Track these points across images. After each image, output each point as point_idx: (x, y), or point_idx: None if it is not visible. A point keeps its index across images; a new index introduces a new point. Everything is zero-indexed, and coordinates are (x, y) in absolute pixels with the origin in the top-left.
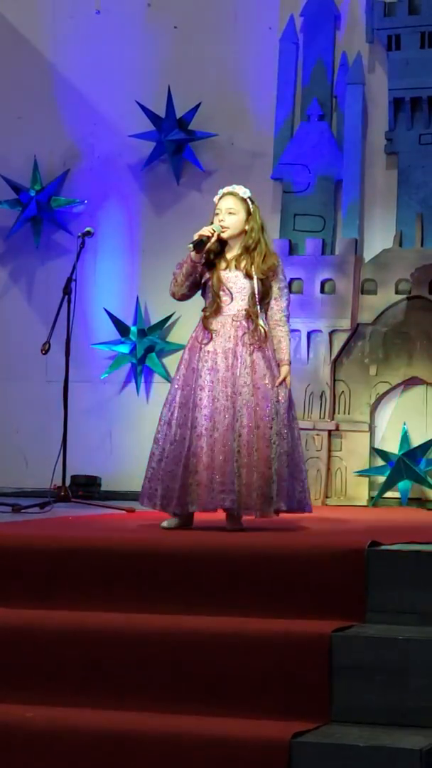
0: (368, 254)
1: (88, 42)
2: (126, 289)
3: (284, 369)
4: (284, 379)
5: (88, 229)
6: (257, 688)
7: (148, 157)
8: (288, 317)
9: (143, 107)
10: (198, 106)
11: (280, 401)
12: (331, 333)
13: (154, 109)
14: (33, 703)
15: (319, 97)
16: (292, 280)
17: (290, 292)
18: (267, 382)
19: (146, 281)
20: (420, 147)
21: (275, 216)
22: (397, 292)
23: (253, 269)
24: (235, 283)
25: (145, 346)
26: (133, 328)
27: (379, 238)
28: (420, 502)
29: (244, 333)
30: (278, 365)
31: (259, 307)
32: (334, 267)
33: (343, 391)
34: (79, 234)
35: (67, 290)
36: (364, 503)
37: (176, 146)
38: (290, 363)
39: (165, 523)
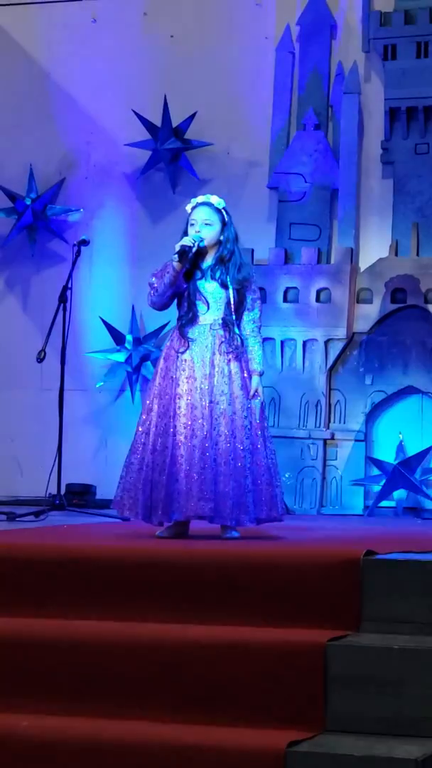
0: (364, 263)
1: (85, 51)
2: (121, 297)
3: (255, 379)
4: (256, 390)
5: (83, 237)
6: (252, 698)
7: (144, 166)
8: (260, 328)
9: (139, 116)
10: (194, 115)
11: (254, 411)
12: (327, 342)
13: (151, 118)
14: (27, 712)
15: (315, 106)
16: (287, 288)
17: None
18: (243, 391)
19: (142, 290)
20: (416, 156)
21: (271, 225)
22: (392, 302)
23: (228, 279)
24: (211, 293)
25: (141, 355)
26: (129, 337)
27: (374, 247)
28: (415, 511)
29: (222, 342)
30: (251, 376)
31: (234, 316)
32: (330, 276)
33: (338, 400)
34: (75, 242)
35: (62, 298)
36: (360, 512)
37: (172, 155)
38: (262, 373)
39: (160, 532)
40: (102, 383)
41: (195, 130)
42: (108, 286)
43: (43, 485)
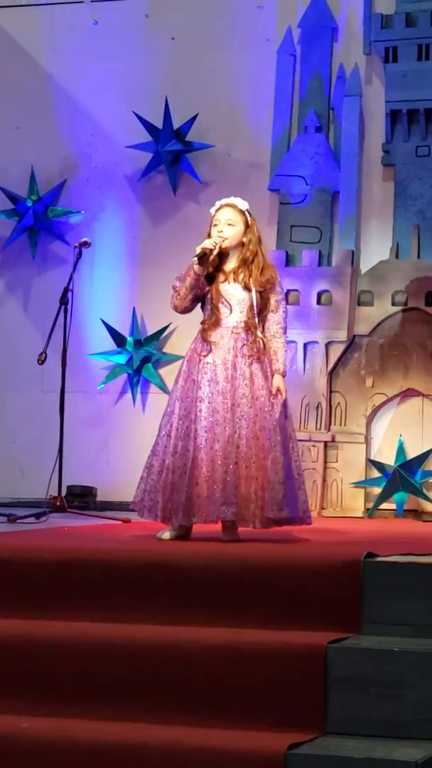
0: (365, 266)
1: (86, 53)
2: (123, 299)
3: (276, 378)
4: (278, 390)
5: (84, 239)
6: (253, 700)
7: (145, 168)
8: (285, 329)
9: (141, 118)
10: (195, 117)
11: (277, 413)
12: (328, 344)
13: (152, 120)
14: (29, 714)
15: (317, 108)
16: (288, 291)
17: (287, 304)
18: (265, 393)
19: (143, 292)
20: (417, 159)
21: (272, 227)
22: (393, 304)
23: (251, 282)
24: (234, 296)
25: (142, 357)
26: (130, 339)
27: (375, 250)
28: (416, 513)
29: (243, 345)
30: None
31: (257, 319)
32: (331, 278)
33: (339, 403)
34: (76, 244)
35: (63, 300)
36: (360, 515)
37: (173, 157)
38: (285, 374)
39: (162, 534)
40: (103, 385)
41: (196, 133)
42: (109, 288)
43: (44, 487)
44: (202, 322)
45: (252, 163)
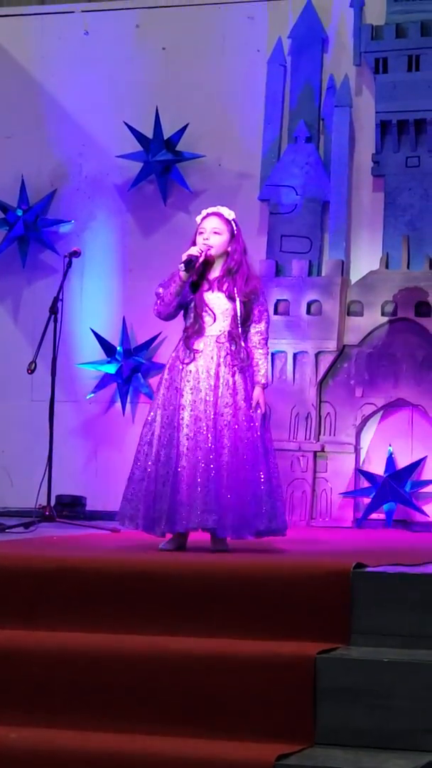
0: (354, 276)
1: (77, 63)
2: (112, 309)
3: (256, 391)
4: (258, 401)
5: (74, 248)
6: (241, 710)
7: (136, 178)
8: (266, 340)
9: (131, 128)
10: (186, 127)
11: (257, 423)
12: (317, 354)
13: (142, 130)
14: (16, 724)
15: (307, 119)
16: (278, 301)
17: (277, 314)
18: (247, 403)
19: (133, 301)
20: (406, 170)
21: (262, 237)
22: (383, 314)
23: (235, 291)
24: (218, 305)
25: (131, 367)
26: (119, 348)
27: (365, 260)
28: (405, 523)
29: (227, 354)
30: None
31: (240, 329)
32: (321, 288)
33: (328, 413)
34: (66, 254)
35: (53, 310)
36: (350, 525)
37: (163, 167)
38: (265, 386)
39: (162, 545)
40: (92, 395)
41: (186, 142)
42: (99, 298)
43: (33, 496)
44: (185, 330)
45: (242, 173)
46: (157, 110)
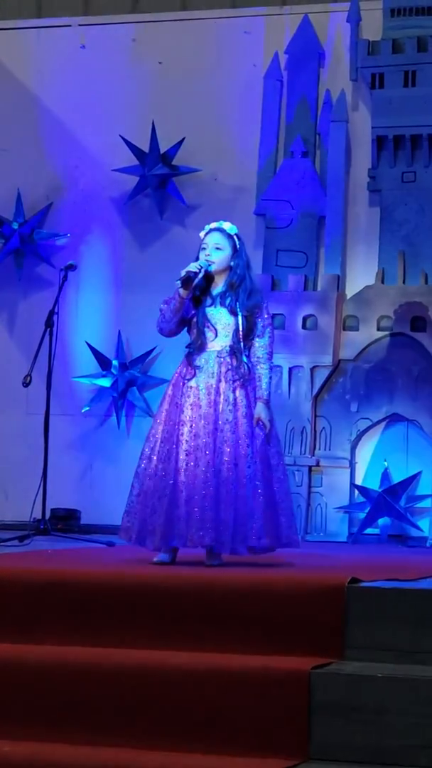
0: (350, 291)
1: (73, 76)
2: (108, 322)
3: (259, 406)
4: (260, 417)
5: (70, 262)
6: (236, 725)
7: (132, 192)
8: (270, 355)
9: (127, 142)
10: (182, 141)
11: (259, 440)
12: (313, 369)
13: (138, 144)
14: (10, 738)
15: (303, 133)
16: (274, 315)
17: (274, 330)
18: (247, 419)
19: (128, 315)
20: (402, 185)
21: (258, 251)
22: (378, 329)
23: (237, 306)
24: (220, 320)
25: (127, 380)
26: (115, 362)
27: (361, 275)
28: (400, 538)
29: (228, 369)
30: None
31: (242, 344)
32: (317, 303)
33: (324, 427)
34: (62, 267)
35: (49, 323)
36: (344, 539)
37: (160, 181)
38: (268, 401)
39: (158, 558)
40: (88, 408)
41: (183, 156)
42: (94, 312)
43: (28, 510)
44: (188, 346)
45: (238, 187)
46: (153, 124)
